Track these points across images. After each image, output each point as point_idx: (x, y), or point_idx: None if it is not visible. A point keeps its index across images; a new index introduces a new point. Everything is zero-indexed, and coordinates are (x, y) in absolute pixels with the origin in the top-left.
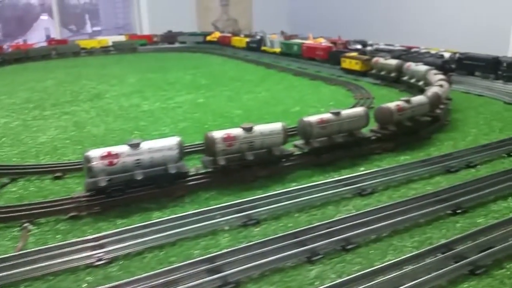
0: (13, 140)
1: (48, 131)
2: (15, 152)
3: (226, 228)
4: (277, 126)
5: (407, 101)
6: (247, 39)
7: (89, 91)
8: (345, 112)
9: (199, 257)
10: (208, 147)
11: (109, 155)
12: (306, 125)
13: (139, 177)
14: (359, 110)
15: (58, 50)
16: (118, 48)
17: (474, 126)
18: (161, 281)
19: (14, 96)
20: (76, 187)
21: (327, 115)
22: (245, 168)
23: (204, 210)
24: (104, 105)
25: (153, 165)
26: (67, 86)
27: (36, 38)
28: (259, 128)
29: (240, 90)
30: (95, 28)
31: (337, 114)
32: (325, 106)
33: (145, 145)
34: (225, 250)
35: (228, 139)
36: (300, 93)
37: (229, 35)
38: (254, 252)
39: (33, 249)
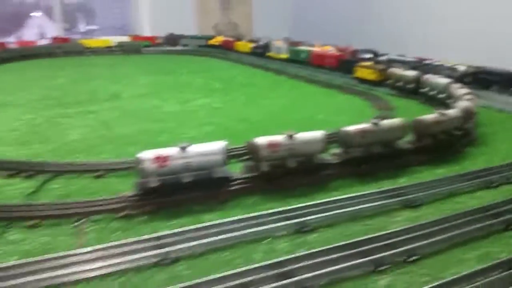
0: (42, 137)
1: (77, 129)
2: (48, 149)
3: (281, 234)
4: (318, 134)
5: (443, 114)
6: (252, 44)
7: (105, 91)
8: (385, 122)
9: (265, 261)
10: (252, 153)
11: (160, 157)
12: (346, 135)
13: (187, 180)
14: (398, 121)
15: (63, 49)
16: (123, 48)
17: (503, 142)
18: (234, 283)
19: (31, 92)
20: (118, 187)
21: (367, 125)
22: (286, 175)
23: (258, 215)
24: (124, 106)
25: (199, 168)
26: (81, 85)
27: (29, 35)
28: (301, 136)
29: (255, 96)
30: (90, 27)
31: (377, 124)
32: (348, 115)
33: (193, 148)
34: (293, 255)
35: (272, 145)
36: (317, 101)
37: (232, 39)
38: (319, 259)
39: (109, 245)
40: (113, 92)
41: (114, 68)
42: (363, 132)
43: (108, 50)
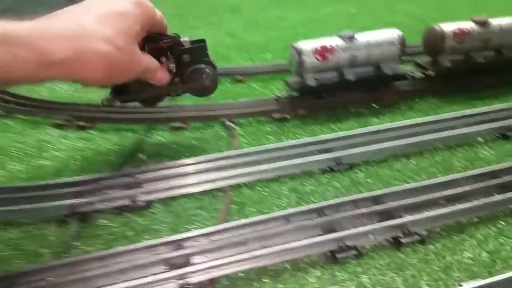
0: None
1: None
2: None
3: (482, 140)
4: None
5: None
6: None
7: (222, 5)
8: None
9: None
10: (432, 44)
11: (322, 48)
12: None
13: (351, 78)
14: None
15: None
16: None
17: None
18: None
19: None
20: (261, 91)
21: None
22: (472, 72)
23: (446, 118)
24: (245, 18)
25: (368, 63)
26: (196, 0)
27: None
28: (498, 22)
29: (395, 1)
30: None
31: None
32: None
33: (361, 37)
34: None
35: (459, 34)
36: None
37: None
38: None
39: (266, 148)
40: (231, 5)
41: None
42: None
43: None
